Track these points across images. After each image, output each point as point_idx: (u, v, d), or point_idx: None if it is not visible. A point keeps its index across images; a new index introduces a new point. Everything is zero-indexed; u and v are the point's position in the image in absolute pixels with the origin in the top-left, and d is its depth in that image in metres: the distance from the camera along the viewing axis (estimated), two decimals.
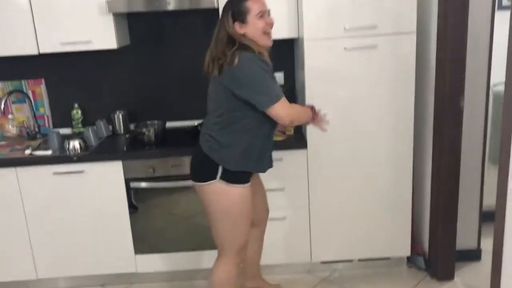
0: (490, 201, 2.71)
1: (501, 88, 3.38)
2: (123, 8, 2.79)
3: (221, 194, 2.21)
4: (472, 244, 3.08)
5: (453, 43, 2.62)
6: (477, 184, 2.99)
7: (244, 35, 2.12)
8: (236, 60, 2.04)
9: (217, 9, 2.77)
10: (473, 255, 3.07)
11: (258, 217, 2.58)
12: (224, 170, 2.19)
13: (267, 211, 2.66)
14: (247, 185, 2.26)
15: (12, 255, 2.95)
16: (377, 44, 2.65)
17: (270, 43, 2.20)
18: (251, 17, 2.11)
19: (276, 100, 2.08)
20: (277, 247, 2.95)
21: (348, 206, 2.91)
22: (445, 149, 2.76)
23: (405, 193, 2.90)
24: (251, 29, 2.11)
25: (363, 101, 2.75)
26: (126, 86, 3.30)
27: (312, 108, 2.38)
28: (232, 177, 2.20)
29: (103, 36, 2.85)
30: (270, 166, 2.39)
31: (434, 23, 2.70)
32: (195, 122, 3.12)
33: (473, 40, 2.69)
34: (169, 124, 3.21)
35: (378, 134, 2.80)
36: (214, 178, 2.19)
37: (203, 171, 2.24)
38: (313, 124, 2.41)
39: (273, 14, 2.77)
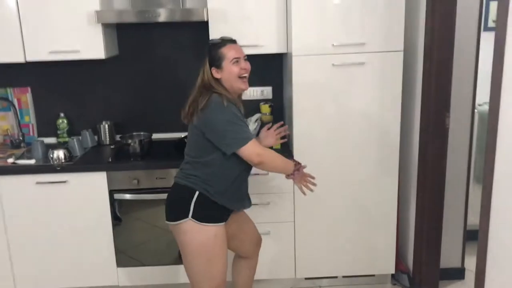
0: (474, 220, 2.72)
1: (486, 107, 3.44)
2: (113, 19, 2.79)
3: (192, 233, 2.17)
4: (456, 263, 3.08)
5: (439, 62, 2.65)
6: (461, 202, 3.00)
7: (219, 80, 2.20)
8: (207, 105, 2.11)
9: (207, 22, 2.78)
10: (457, 273, 3.07)
11: (247, 250, 2.54)
12: (195, 207, 2.16)
13: (257, 243, 2.57)
14: (221, 224, 2.24)
15: None
16: (365, 61, 2.67)
17: (245, 87, 2.24)
18: (226, 63, 2.18)
19: (244, 142, 2.11)
20: (261, 262, 2.89)
21: (334, 222, 2.90)
22: (430, 166, 2.78)
23: (390, 211, 2.90)
24: (226, 74, 2.19)
25: (350, 117, 2.76)
26: (113, 97, 3.28)
27: (296, 163, 2.36)
28: (205, 214, 2.18)
29: (91, 45, 2.83)
30: (249, 205, 2.40)
31: (421, 41, 2.73)
32: (182, 134, 3.11)
33: (459, 59, 2.72)
34: (156, 136, 3.19)
35: (364, 151, 2.81)
36: (185, 216, 2.16)
37: (175, 209, 2.23)
38: (294, 179, 2.36)
39: (262, 29, 2.81)
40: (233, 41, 2.25)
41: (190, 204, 2.16)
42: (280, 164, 2.29)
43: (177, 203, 2.23)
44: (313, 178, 2.36)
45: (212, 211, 2.20)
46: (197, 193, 2.17)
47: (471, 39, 2.80)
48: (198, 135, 2.18)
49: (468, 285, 2.97)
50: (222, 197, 2.21)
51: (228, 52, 2.18)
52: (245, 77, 2.23)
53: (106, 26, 2.90)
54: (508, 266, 1.90)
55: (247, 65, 2.23)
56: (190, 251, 2.21)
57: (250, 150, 2.12)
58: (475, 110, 2.97)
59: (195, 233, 2.17)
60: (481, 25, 2.84)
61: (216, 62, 2.18)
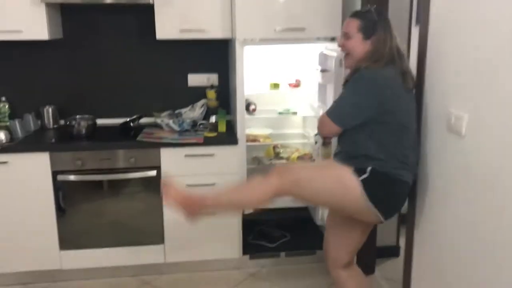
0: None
1: None
2: None
3: None
4: (392, 242, 3.26)
5: None
6: None
7: None
8: None
9: (152, 6, 2.82)
10: (393, 251, 3.24)
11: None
12: None
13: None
14: None
15: None
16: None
17: (344, 65, 2.24)
18: None
19: None
20: (206, 242, 2.97)
21: None
22: None
23: None
24: None
25: None
26: (57, 81, 3.24)
27: None
28: None
29: (34, 26, 2.80)
30: None
31: None
32: (127, 119, 3.12)
33: None
34: (100, 121, 3.17)
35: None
36: None
37: None
38: None
39: (207, 14, 2.87)
40: (352, 15, 2.17)
41: None
42: None
43: None
44: None
45: None
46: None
47: (402, 32, 2.97)
48: None
49: (402, 261, 3.15)
50: None
51: None
52: (346, 54, 2.18)
53: (50, 7, 2.88)
54: (432, 240, 2.08)
55: (340, 41, 2.17)
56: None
57: None
58: None
59: None
60: (412, 20, 3.04)
61: None
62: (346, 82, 2.13)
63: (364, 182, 2.01)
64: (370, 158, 2.03)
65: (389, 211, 2.08)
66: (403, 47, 2.12)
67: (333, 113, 2.08)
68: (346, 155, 2.13)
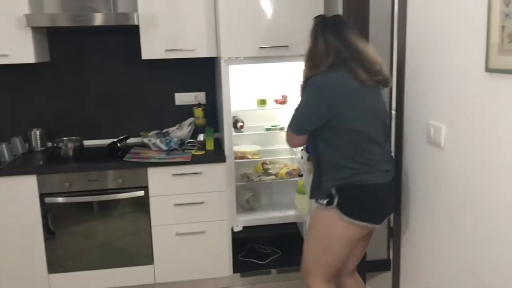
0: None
1: None
2: (44, 23, 2.79)
3: None
4: (383, 255, 3.26)
5: None
6: None
7: None
8: None
9: (137, 27, 2.85)
10: (384, 265, 3.24)
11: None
12: None
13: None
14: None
15: None
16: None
17: None
18: None
19: None
20: (196, 262, 2.96)
21: None
22: None
23: None
24: None
25: None
26: (44, 103, 3.25)
27: None
28: None
29: (20, 50, 2.81)
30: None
31: None
32: (114, 140, 3.13)
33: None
34: (87, 143, 3.17)
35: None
36: None
37: None
38: None
39: (193, 33, 2.91)
40: None
41: None
42: None
43: None
44: None
45: None
46: None
47: (384, 45, 3.02)
48: None
49: None
50: None
51: None
52: None
53: (36, 31, 2.90)
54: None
55: None
56: None
57: None
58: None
59: None
60: (393, 32, 3.09)
61: None
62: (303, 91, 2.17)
63: (338, 206, 2.03)
64: (333, 166, 2.05)
65: (375, 217, 2.09)
66: (365, 45, 2.08)
67: (291, 124, 2.15)
68: (315, 176, 2.17)
